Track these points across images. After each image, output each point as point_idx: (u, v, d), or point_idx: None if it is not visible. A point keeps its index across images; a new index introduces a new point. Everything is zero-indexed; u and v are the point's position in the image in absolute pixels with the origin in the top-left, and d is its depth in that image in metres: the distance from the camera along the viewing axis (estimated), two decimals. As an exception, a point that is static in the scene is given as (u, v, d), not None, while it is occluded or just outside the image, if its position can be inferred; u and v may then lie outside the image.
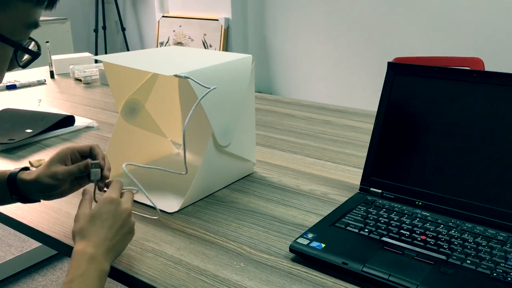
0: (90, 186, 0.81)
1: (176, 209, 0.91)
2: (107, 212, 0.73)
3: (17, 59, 0.66)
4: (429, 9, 2.88)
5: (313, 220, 0.88)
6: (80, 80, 2.00)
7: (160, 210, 0.89)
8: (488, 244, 0.75)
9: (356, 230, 0.80)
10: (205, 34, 3.67)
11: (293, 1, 3.43)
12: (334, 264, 0.72)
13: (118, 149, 1.05)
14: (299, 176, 1.07)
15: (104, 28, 4.35)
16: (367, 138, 1.28)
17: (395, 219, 0.83)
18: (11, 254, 2.16)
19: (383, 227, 0.80)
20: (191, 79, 0.84)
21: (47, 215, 0.91)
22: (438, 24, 2.86)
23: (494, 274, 0.68)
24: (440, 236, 0.77)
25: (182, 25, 3.81)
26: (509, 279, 0.67)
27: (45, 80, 1.99)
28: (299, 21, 3.45)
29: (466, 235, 0.78)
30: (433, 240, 0.76)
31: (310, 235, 0.78)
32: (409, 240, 0.77)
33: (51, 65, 2.08)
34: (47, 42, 1.99)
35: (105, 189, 0.82)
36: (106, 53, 4.38)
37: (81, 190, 0.80)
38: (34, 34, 0.68)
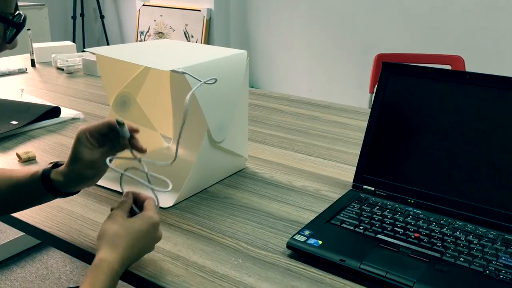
0: (131, 188, 0.78)
1: (171, 204, 0.91)
2: (147, 235, 0.70)
3: (6, 35, 0.66)
4: (410, 5, 2.92)
5: (307, 216, 0.89)
6: (62, 70, 1.96)
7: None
8: (480, 242, 0.77)
9: (352, 227, 0.81)
10: (186, 25, 3.64)
11: (276, -7, 3.42)
12: (332, 261, 0.73)
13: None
14: (291, 172, 1.07)
15: (82, 15, 4.26)
16: (356, 135, 1.30)
17: (388, 216, 0.84)
18: (-12, 246, 2.12)
19: (377, 225, 0.81)
20: (189, 74, 0.83)
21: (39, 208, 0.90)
22: (419, 20, 2.90)
23: (487, 272, 0.70)
24: (433, 234, 0.79)
25: (163, 15, 3.77)
26: (501, 277, 0.69)
27: (26, 68, 1.94)
28: (282, 14, 3.45)
29: (458, 233, 0.80)
30: (426, 238, 0.78)
31: (306, 232, 0.79)
32: (404, 237, 0.78)
33: (32, 53, 2.03)
34: (28, 29, 1.95)
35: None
36: (83, 41, 4.30)
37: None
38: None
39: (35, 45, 2.06)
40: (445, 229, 0.81)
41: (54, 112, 1.37)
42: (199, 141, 0.93)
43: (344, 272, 0.72)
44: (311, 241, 0.77)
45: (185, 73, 0.84)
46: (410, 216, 0.85)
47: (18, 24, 0.70)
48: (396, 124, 0.93)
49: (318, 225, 0.82)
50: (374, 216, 0.84)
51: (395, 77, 0.93)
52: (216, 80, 0.85)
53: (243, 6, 3.61)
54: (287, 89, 3.50)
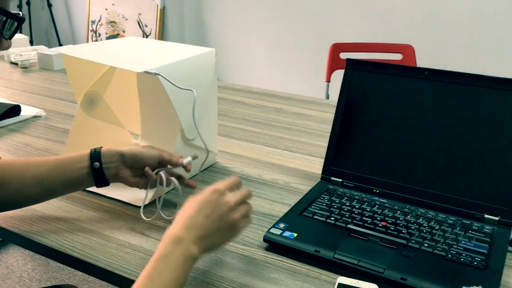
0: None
1: (147, 202, 0.93)
2: (207, 201, 0.71)
3: (4, 31, 0.65)
4: (362, -5, 2.99)
5: (279, 209, 0.93)
6: (16, 64, 1.91)
7: (129, 204, 0.90)
8: (441, 227, 0.83)
9: (323, 219, 0.85)
10: (140, 14, 3.58)
11: (230, -18, 3.42)
12: (308, 252, 0.77)
13: (78, 141, 1.04)
14: (260, 166, 1.11)
15: (28, 3, 4.10)
16: (318, 126, 1.35)
17: (356, 206, 0.89)
18: None
19: (347, 215, 0.86)
20: (162, 76, 0.85)
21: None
22: (372, 10, 2.98)
23: (449, 256, 0.76)
24: (398, 221, 0.85)
25: (115, 3, 3.69)
26: (461, 260, 0.75)
27: (-23, 63, 1.88)
28: (237, 4, 3.45)
29: (421, 219, 0.86)
30: (393, 226, 0.83)
31: (281, 225, 0.83)
32: (372, 226, 0.83)
33: (-17, 47, 1.96)
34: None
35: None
36: (30, 31, 4.14)
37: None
38: None
39: (-15, 38, 1.98)
40: (409, 216, 0.87)
41: (14, 110, 1.34)
42: (172, 139, 0.95)
43: (319, 262, 0.77)
44: (287, 233, 0.81)
45: (158, 74, 0.85)
46: (377, 206, 0.90)
47: (20, 18, 0.69)
48: (360, 118, 0.97)
49: (292, 218, 0.86)
50: (343, 207, 0.89)
51: (359, 73, 0.98)
52: (193, 91, 0.88)
53: (197, -5, 3.59)
54: (244, 80, 3.52)
